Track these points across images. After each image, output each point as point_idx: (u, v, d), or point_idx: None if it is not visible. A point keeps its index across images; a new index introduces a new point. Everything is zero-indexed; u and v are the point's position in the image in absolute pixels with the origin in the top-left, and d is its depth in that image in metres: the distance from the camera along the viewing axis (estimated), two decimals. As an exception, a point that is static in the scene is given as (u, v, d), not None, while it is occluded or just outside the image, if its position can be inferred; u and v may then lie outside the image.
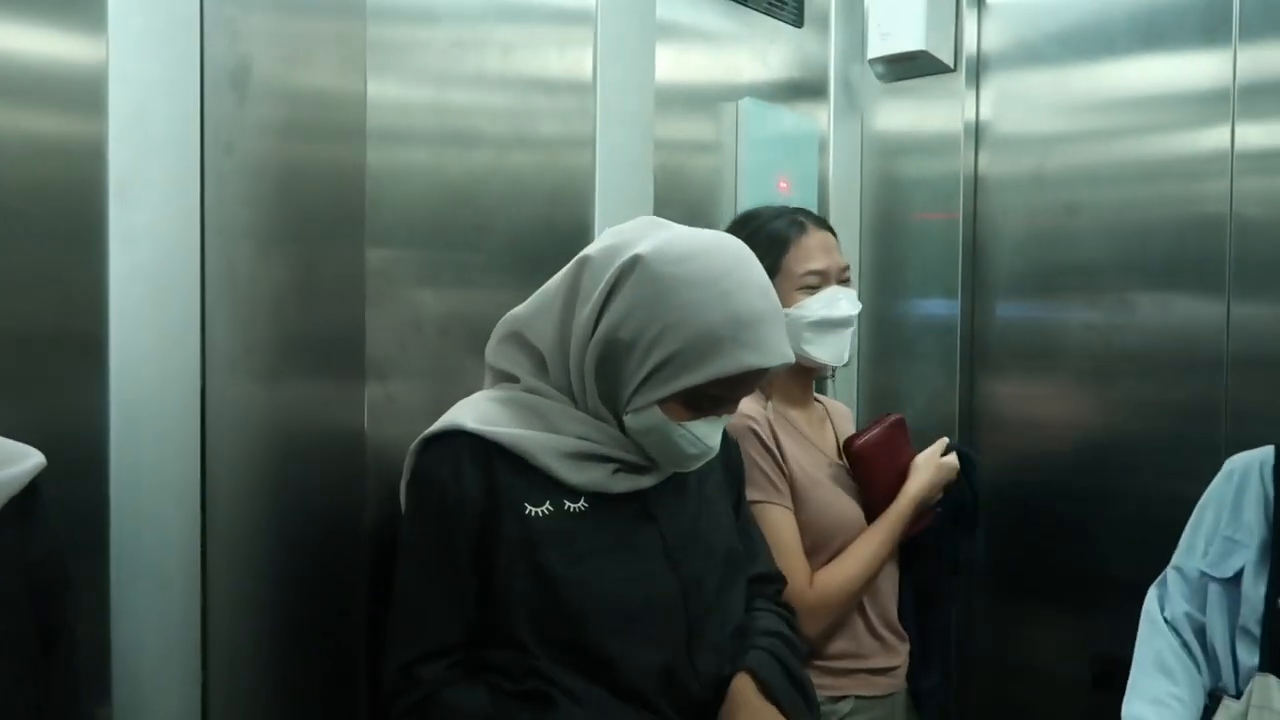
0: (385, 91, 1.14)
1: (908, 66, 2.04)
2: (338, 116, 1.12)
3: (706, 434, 1.03)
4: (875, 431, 1.44)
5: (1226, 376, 1.78)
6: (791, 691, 1.08)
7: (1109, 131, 1.93)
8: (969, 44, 2.05)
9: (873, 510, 1.43)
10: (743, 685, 1.05)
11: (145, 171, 1.02)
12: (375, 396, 1.13)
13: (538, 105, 1.37)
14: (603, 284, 1.00)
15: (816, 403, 1.55)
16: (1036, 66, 2.02)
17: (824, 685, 1.34)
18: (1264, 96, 1.75)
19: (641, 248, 1.00)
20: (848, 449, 1.44)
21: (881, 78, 2.10)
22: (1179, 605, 1.38)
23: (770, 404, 1.42)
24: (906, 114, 2.11)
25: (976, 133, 2.07)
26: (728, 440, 1.20)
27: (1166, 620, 1.39)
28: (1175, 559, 1.42)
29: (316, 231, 1.11)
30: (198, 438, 1.06)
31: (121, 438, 1.00)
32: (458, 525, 1.00)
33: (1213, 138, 1.80)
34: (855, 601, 1.39)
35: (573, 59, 1.43)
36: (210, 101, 1.06)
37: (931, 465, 1.46)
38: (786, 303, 1.36)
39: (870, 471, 1.43)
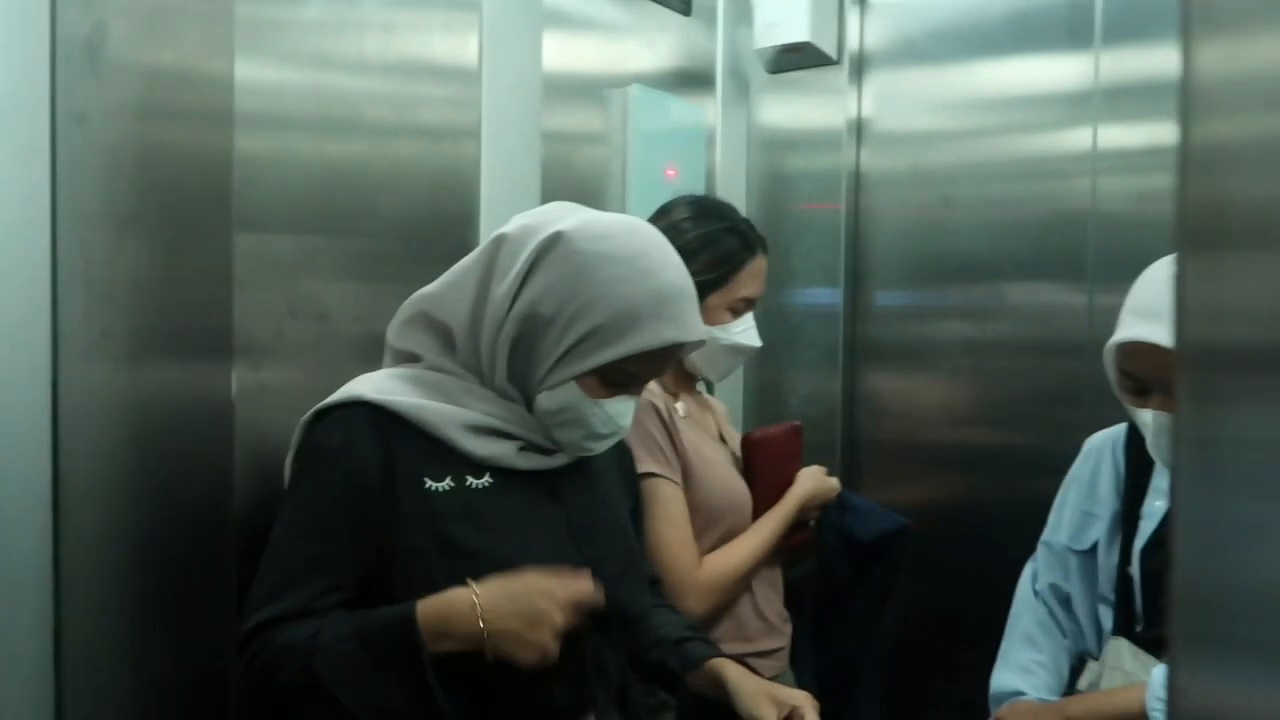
0: (256, 73, 1.11)
1: (793, 58, 2.08)
2: (202, 97, 1.07)
3: (619, 413, 1.05)
4: (774, 431, 1.50)
5: (1088, 361, 1.90)
6: None
7: (982, 130, 2.02)
8: (852, 41, 2.11)
9: (756, 505, 1.47)
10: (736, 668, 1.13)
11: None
12: (246, 383, 1.10)
13: (420, 91, 1.35)
14: (522, 260, 1.00)
15: (699, 393, 1.58)
16: (916, 64, 2.09)
17: None
18: (1123, 98, 1.86)
19: (562, 225, 1.01)
20: (747, 440, 1.48)
21: (767, 68, 2.14)
22: (1046, 578, 1.48)
23: (673, 397, 1.46)
24: (792, 109, 2.16)
25: (859, 129, 2.13)
26: (623, 448, 1.22)
27: (1036, 592, 1.48)
28: (1044, 535, 1.52)
29: (179, 214, 1.07)
30: (49, 428, 1.00)
31: None
32: (343, 497, 0.98)
33: (1077, 137, 1.91)
34: (741, 589, 1.43)
35: (458, 45, 1.40)
36: (62, 72, 1.00)
37: (816, 478, 1.52)
38: (712, 319, 1.41)
39: (764, 466, 1.48)
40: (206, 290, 1.07)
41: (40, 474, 1.00)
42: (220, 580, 1.08)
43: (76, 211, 1.01)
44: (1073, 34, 1.89)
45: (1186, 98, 0.41)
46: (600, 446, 1.07)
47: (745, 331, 1.46)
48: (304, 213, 1.17)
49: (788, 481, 1.49)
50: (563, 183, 1.64)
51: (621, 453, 1.22)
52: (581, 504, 1.09)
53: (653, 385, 1.39)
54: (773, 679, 1.44)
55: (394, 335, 1.10)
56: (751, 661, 1.42)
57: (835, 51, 2.09)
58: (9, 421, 0.98)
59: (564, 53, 1.66)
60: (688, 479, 1.39)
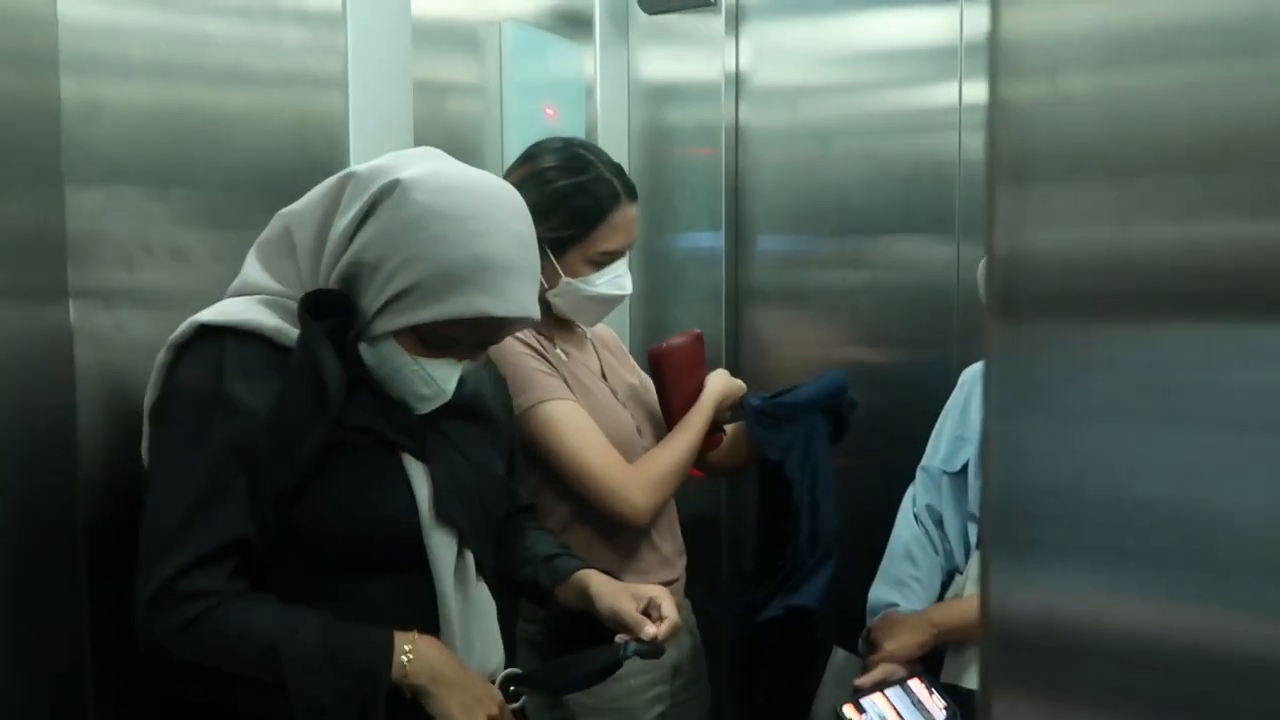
0: (94, 12, 1.08)
1: (669, -1, 2.10)
2: (24, 36, 1.02)
3: (442, 376, 1.04)
4: (678, 340, 1.53)
5: (956, 306, 2.02)
6: None
7: (856, 84, 2.10)
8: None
9: (671, 415, 1.51)
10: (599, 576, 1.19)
11: None
12: (98, 323, 1.08)
13: (280, 35, 1.32)
14: (361, 202, 0.99)
15: (578, 332, 1.58)
16: (791, 15, 2.14)
17: None
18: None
19: (405, 173, 0.99)
20: (654, 353, 1.51)
21: (644, 8, 2.14)
22: (923, 499, 1.61)
23: (548, 343, 1.47)
24: (671, 59, 2.18)
25: (736, 81, 2.17)
26: (500, 383, 1.24)
27: (915, 514, 1.60)
28: (923, 460, 1.64)
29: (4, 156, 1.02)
30: None
31: None
32: (222, 422, 0.97)
33: (943, 92, 2.00)
34: (677, 484, 1.46)
35: None
36: None
37: (725, 378, 1.56)
38: (572, 272, 1.41)
39: (674, 375, 1.51)
40: (36, 234, 1.03)
41: None
42: (67, 529, 1.06)
43: None
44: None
45: (995, 57, 0.46)
46: (424, 407, 1.05)
47: (611, 280, 1.45)
48: (154, 155, 1.15)
49: (699, 387, 1.53)
50: (437, 129, 1.62)
51: (498, 387, 1.23)
52: (445, 459, 1.08)
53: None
54: None
55: (254, 251, 1.08)
56: None
57: (710, -7, 2.12)
58: None
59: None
60: None
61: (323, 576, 1.03)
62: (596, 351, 1.58)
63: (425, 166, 1.01)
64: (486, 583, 1.15)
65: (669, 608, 1.17)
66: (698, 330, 1.58)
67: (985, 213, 0.45)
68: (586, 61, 2.04)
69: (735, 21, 2.15)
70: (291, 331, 1.00)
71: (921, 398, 1.81)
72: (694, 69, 2.17)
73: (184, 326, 1.00)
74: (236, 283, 1.07)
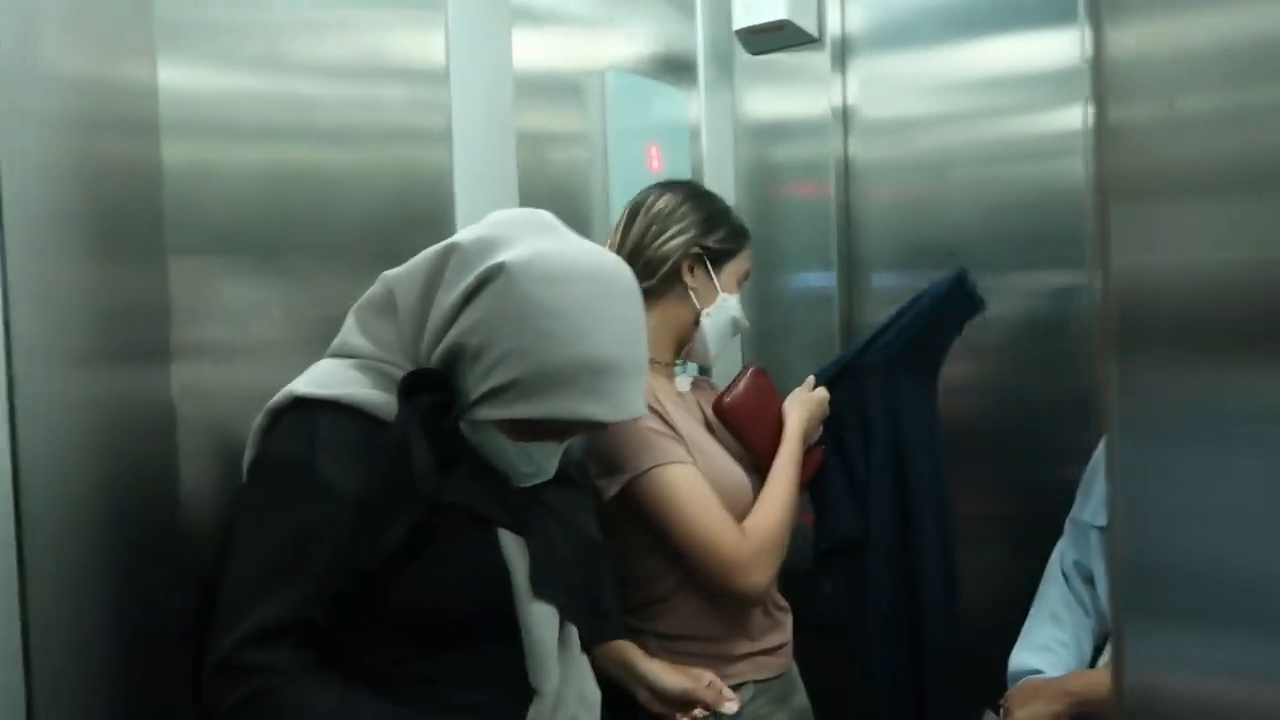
0: (204, 78, 1.14)
1: (774, 37, 2.10)
2: (127, 103, 1.09)
3: (544, 457, 1.04)
4: (740, 387, 1.48)
5: (1090, 341, 1.91)
6: None
7: (971, 112, 2.03)
8: (834, 25, 2.12)
9: (762, 465, 1.46)
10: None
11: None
12: (208, 381, 1.13)
13: (384, 94, 1.37)
14: (466, 283, 0.98)
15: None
16: (900, 46, 2.10)
17: (720, 676, 1.35)
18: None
19: (510, 255, 0.96)
20: (718, 410, 1.47)
21: (748, 49, 2.15)
22: (1071, 554, 1.51)
23: (661, 370, 1.46)
24: (777, 97, 2.18)
25: (845, 116, 2.15)
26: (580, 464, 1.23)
27: (1063, 570, 1.51)
28: (1071, 513, 1.54)
29: (112, 219, 1.09)
30: (6, 431, 1.00)
31: None
32: (304, 500, 0.97)
33: (1067, 116, 1.92)
34: (786, 544, 1.40)
35: (422, 45, 1.42)
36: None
37: (802, 400, 1.52)
38: (727, 289, 1.46)
39: (747, 426, 1.47)
40: (143, 294, 1.09)
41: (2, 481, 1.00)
42: (169, 578, 1.10)
43: (24, 210, 1.01)
44: (1059, 10, 1.90)
45: (1101, 78, 0.43)
46: (526, 482, 1.04)
47: (739, 309, 1.49)
48: (264, 217, 1.20)
49: (777, 422, 1.49)
50: (541, 178, 1.65)
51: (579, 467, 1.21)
52: (544, 530, 1.06)
53: None
54: (778, 677, 1.45)
55: (355, 313, 1.08)
56: (760, 660, 1.42)
57: (816, 28, 2.10)
58: None
59: (537, 47, 1.68)
60: None
61: (418, 653, 1.01)
62: (698, 400, 1.56)
63: (531, 247, 0.98)
64: (589, 653, 1.13)
65: (726, 691, 1.20)
66: (753, 366, 1.53)
67: (1095, 242, 0.42)
68: (690, 104, 2.06)
69: (842, 56, 2.13)
70: (388, 404, 0.99)
71: (1057, 442, 1.71)
72: (800, 105, 2.16)
73: (280, 395, 1.01)
74: (336, 343, 1.08)
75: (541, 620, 1.02)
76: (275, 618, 0.94)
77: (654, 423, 1.35)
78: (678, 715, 1.20)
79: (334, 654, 1.00)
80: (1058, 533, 1.57)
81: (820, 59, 2.13)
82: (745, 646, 1.40)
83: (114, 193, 1.07)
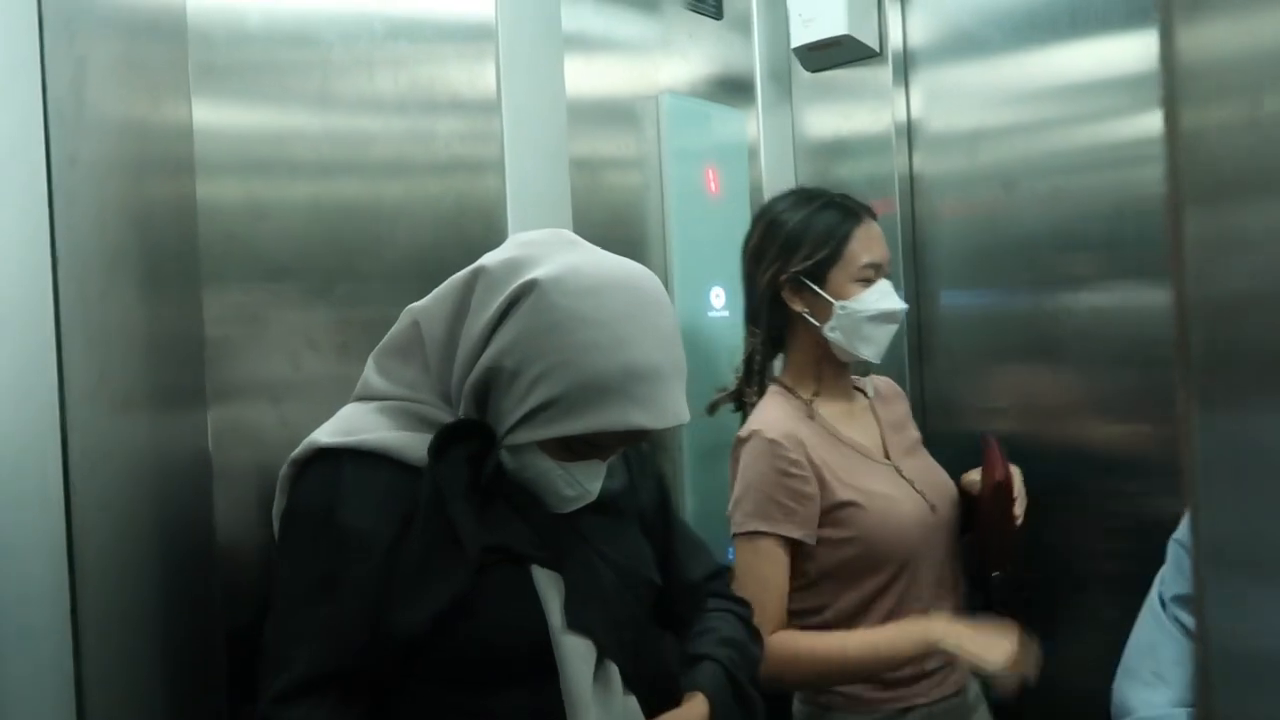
0: (254, 118, 1.17)
1: (833, 53, 2.07)
2: (169, 145, 1.13)
3: (587, 478, 1.02)
4: (991, 463, 1.41)
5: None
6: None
7: (1043, 121, 1.96)
8: (895, 37, 2.09)
9: (986, 549, 1.44)
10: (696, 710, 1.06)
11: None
12: (265, 417, 1.15)
13: (435, 126, 1.38)
14: (496, 304, 0.97)
15: (857, 391, 1.55)
16: (964, 56, 2.05)
17: (887, 699, 1.34)
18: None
19: (541, 271, 0.95)
20: (992, 488, 1.41)
21: (807, 66, 2.13)
22: (1172, 587, 1.43)
23: (814, 404, 1.43)
24: (837, 113, 2.15)
25: (909, 130, 2.11)
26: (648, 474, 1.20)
27: (1161, 598, 1.43)
28: (1175, 533, 1.47)
29: (155, 260, 1.11)
30: (59, 472, 1.03)
31: None
32: (330, 553, 0.97)
33: (1145, 122, 1.84)
34: (803, 679, 1.38)
35: (473, 76, 1.44)
36: (53, 116, 1.04)
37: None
38: (841, 294, 1.41)
39: (1000, 511, 1.42)
40: (188, 333, 1.12)
41: (54, 516, 1.02)
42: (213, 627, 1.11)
43: (76, 253, 1.04)
44: (1132, 11, 1.84)
45: (1174, 81, 0.40)
46: (567, 507, 1.03)
47: (885, 297, 1.43)
48: (318, 252, 1.23)
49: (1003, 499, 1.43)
50: (596, 205, 1.65)
51: (644, 460, 1.19)
52: (582, 562, 1.03)
53: (781, 421, 1.38)
54: (956, 694, 1.41)
55: (375, 355, 1.07)
56: (931, 681, 1.38)
57: (876, 42, 2.07)
58: (19, 462, 1.01)
59: (590, 73, 1.68)
60: (841, 518, 1.35)
61: (450, 693, 0.99)
62: (876, 414, 1.52)
63: (561, 262, 0.97)
64: (638, 693, 1.06)
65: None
66: (989, 438, 1.46)
67: (1170, 254, 0.39)
68: (749, 125, 2.04)
69: (904, 69, 2.10)
70: (413, 444, 0.98)
71: (1148, 464, 1.63)
72: (862, 122, 2.13)
73: (303, 445, 1.01)
74: (359, 386, 1.08)
75: (576, 656, 0.99)
76: (305, 672, 0.94)
77: (769, 481, 1.34)
78: None
79: (384, 702, 0.99)
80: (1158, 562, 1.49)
81: (882, 73, 2.10)
82: (913, 668, 1.36)
83: (157, 233, 1.10)
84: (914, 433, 1.56)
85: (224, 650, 1.12)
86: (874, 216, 1.47)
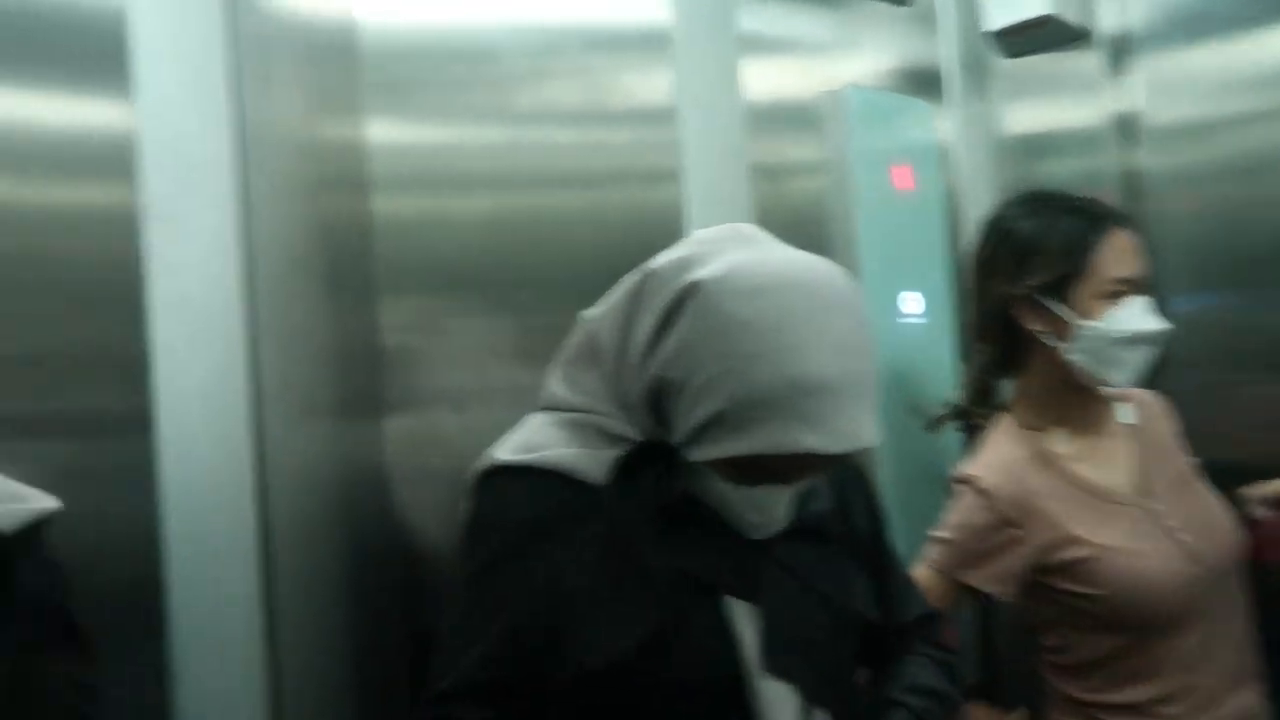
0: (419, 134, 1.21)
1: (1034, 37, 1.91)
2: (345, 161, 1.16)
3: (771, 503, 0.92)
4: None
5: None
6: None
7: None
8: (1108, 19, 1.91)
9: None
10: None
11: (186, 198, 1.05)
12: (450, 425, 1.16)
13: (611, 137, 1.38)
14: (659, 308, 0.90)
15: (1112, 415, 1.37)
16: (1190, 41, 1.84)
17: None
18: None
19: (705, 271, 0.86)
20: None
21: (1004, 52, 1.98)
22: None
23: (1049, 440, 1.31)
24: (1040, 105, 2.00)
25: (1129, 124, 1.92)
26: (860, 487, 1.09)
27: None
28: None
29: (339, 269, 1.15)
30: (251, 480, 1.06)
31: (172, 481, 1.02)
32: (503, 572, 0.94)
33: None
34: None
35: (648, 85, 1.42)
36: (249, 132, 1.08)
37: None
38: (1086, 313, 1.25)
39: None
40: (360, 345, 1.14)
41: (246, 520, 1.06)
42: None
43: (270, 265, 1.08)
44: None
45: None
46: (756, 534, 0.93)
47: (1139, 316, 1.26)
48: (497, 262, 1.24)
49: None
50: (779, 210, 1.58)
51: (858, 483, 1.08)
52: (781, 596, 0.94)
53: (1002, 455, 1.29)
54: None
55: (557, 363, 1.03)
56: None
57: (1085, 24, 1.90)
58: (213, 466, 1.04)
59: (769, 74, 1.62)
60: (1058, 572, 1.23)
61: None
62: (1136, 442, 1.34)
63: (728, 260, 0.88)
64: None
65: None
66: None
67: None
68: (941, 119, 1.91)
69: (1118, 55, 1.91)
70: (593, 461, 0.93)
71: None
72: (1071, 114, 1.96)
73: (485, 459, 0.98)
74: (544, 395, 1.04)
75: (775, 703, 0.90)
76: (471, 678, 0.91)
77: (967, 533, 1.26)
78: None
79: None
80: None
81: (1091, 59, 1.92)
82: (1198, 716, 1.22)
83: (336, 246, 1.13)
84: (1184, 461, 1.35)
85: (406, 653, 1.14)
86: (1126, 224, 1.29)
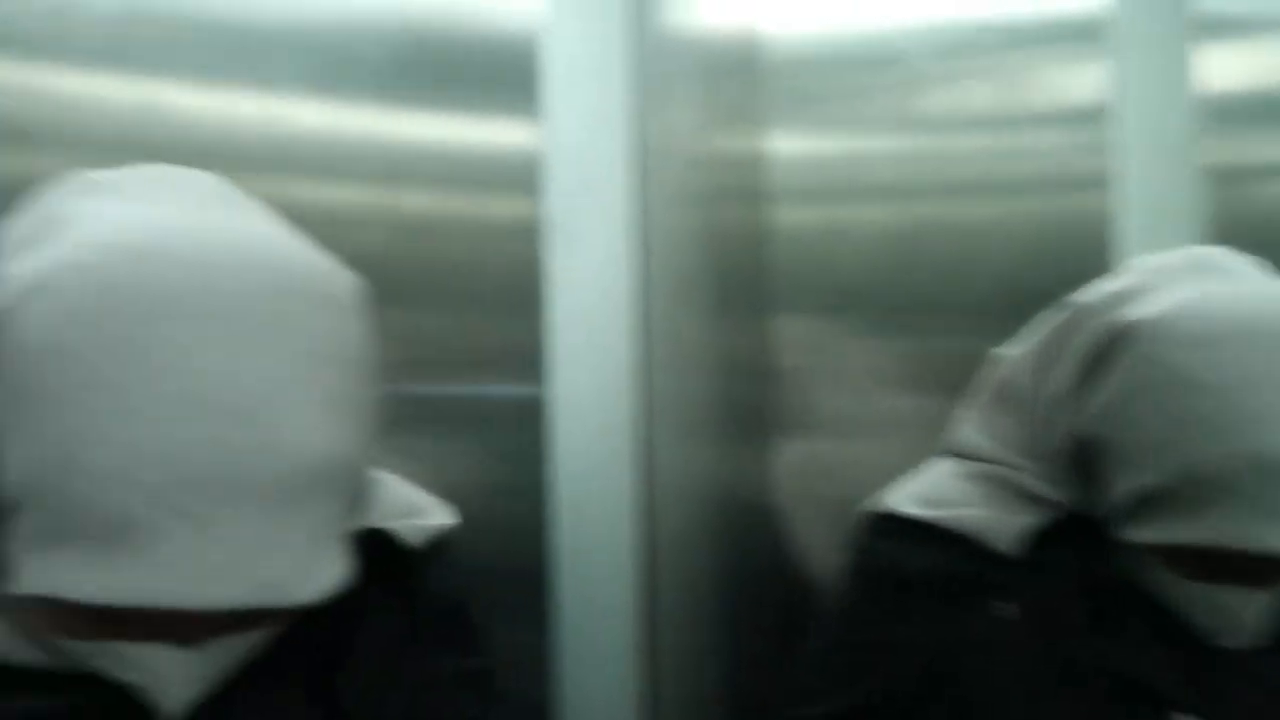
0: (820, 145, 1.20)
1: None
2: (741, 173, 1.17)
3: (1236, 606, 0.72)
4: None
5: None
6: None
7: None
8: None
9: None
10: None
11: (584, 213, 1.08)
12: (827, 456, 1.13)
13: (1029, 141, 1.27)
14: (1085, 350, 0.76)
15: None
16: None
17: None
18: None
19: (1145, 310, 0.73)
20: None
21: None
22: None
23: None
24: None
25: None
26: None
27: None
28: None
29: (730, 285, 1.15)
30: (639, 493, 1.06)
31: (562, 488, 1.04)
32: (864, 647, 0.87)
33: None
34: None
35: (1075, 83, 1.29)
36: (651, 148, 1.10)
37: None
38: None
39: None
40: (750, 364, 1.14)
41: (633, 540, 1.06)
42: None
43: (663, 280, 1.10)
44: None
45: None
46: (1213, 641, 0.74)
47: None
48: (890, 277, 1.20)
49: None
50: (1245, 223, 1.34)
51: None
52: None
53: None
54: None
55: (970, 402, 0.92)
56: None
57: None
58: (604, 483, 1.06)
59: (1234, 63, 1.37)
60: None
61: None
62: None
63: (1176, 297, 0.72)
64: None
65: None
66: None
67: None
68: None
69: None
70: (1009, 531, 0.80)
71: None
72: None
73: (878, 504, 0.89)
74: (951, 440, 0.92)
75: None
76: (822, 713, 0.86)
77: None
78: None
79: None
80: None
81: None
82: None
83: (728, 261, 1.14)
84: None
85: (780, 676, 1.10)
86: None
